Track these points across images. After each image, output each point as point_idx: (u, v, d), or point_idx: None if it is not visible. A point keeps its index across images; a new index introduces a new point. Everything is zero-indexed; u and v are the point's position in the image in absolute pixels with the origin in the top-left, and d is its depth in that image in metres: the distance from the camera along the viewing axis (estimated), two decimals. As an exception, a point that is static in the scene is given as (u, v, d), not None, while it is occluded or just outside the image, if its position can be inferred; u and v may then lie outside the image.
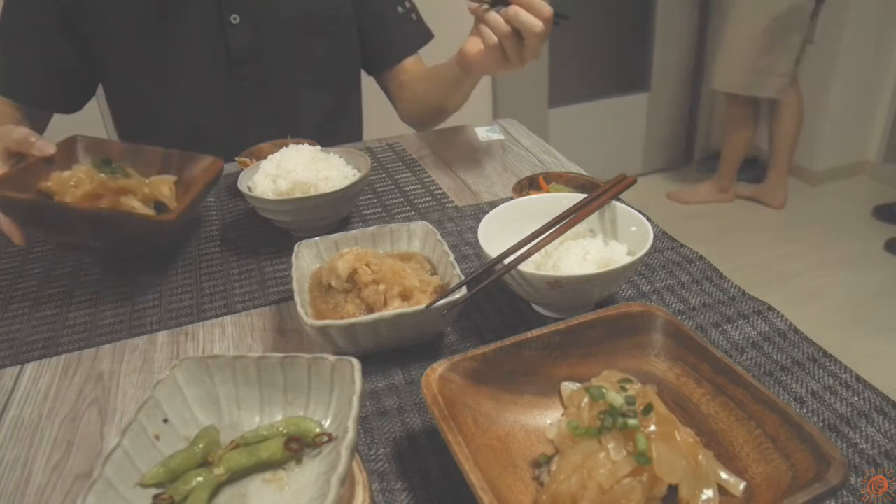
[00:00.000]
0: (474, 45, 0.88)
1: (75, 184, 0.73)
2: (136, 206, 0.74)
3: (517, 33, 0.82)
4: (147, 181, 0.79)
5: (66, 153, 0.79)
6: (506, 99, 2.64)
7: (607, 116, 2.99)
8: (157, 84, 1.06)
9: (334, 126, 1.17)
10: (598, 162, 2.97)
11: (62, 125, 1.17)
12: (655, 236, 0.64)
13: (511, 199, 0.76)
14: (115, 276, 0.77)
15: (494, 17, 0.83)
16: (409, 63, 1.20)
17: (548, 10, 0.82)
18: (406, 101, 1.20)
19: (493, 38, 0.84)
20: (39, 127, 1.08)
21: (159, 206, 0.78)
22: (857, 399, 0.51)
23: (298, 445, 0.42)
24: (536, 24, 0.80)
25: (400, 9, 1.17)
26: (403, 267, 0.62)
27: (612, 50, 2.93)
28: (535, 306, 0.65)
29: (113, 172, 0.77)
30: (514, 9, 0.81)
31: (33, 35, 1.00)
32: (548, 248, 0.61)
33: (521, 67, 0.87)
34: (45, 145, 0.77)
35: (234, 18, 1.03)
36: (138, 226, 0.72)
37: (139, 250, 0.79)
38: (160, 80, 1.06)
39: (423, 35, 1.21)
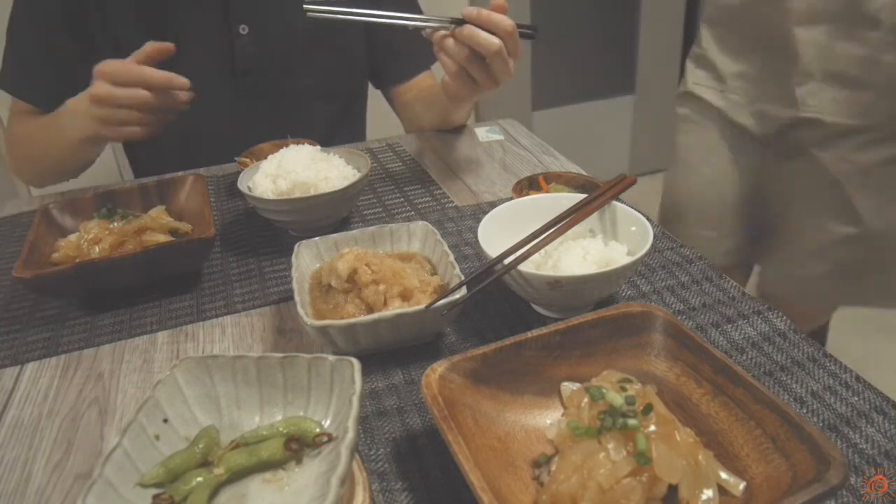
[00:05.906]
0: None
1: (93, 240, 0.72)
2: (160, 239, 0.74)
3: (479, 54, 0.78)
4: (150, 215, 0.79)
5: (48, 223, 0.77)
6: (488, 102, 2.58)
7: (592, 119, 2.94)
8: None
9: (338, 136, 1.15)
10: (584, 165, 2.92)
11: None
12: (655, 236, 0.64)
13: (511, 199, 0.76)
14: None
15: (449, 42, 0.78)
16: (420, 79, 1.18)
17: (508, 23, 0.76)
18: (408, 119, 1.20)
19: (452, 66, 0.80)
20: None
21: (173, 234, 0.77)
22: (857, 399, 0.51)
23: (298, 445, 0.42)
24: (492, 42, 0.75)
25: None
26: (403, 267, 0.62)
27: (597, 52, 2.88)
28: (535, 306, 0.65)
29: (123, 217, 0.77)
30: (468, 28, 0.76)
31: (43, 39, 0.99)
32: (548, 248, 0.61)
33: (495, 88, 0.83)
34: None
35: (243, 29, 1.02)
36: (185, 253, 0.71)
37: (176, 274, 0.75)
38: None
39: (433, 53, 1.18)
